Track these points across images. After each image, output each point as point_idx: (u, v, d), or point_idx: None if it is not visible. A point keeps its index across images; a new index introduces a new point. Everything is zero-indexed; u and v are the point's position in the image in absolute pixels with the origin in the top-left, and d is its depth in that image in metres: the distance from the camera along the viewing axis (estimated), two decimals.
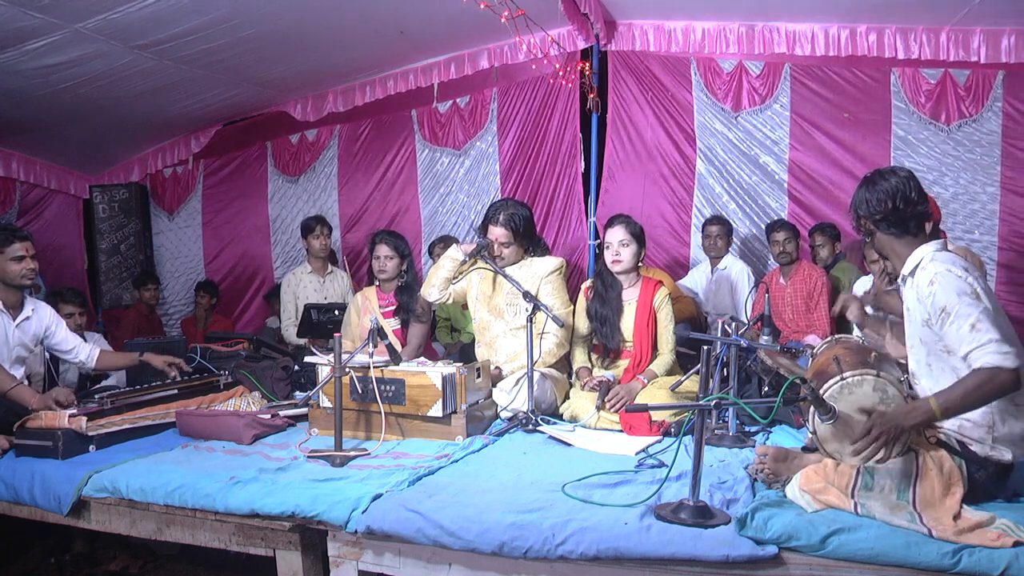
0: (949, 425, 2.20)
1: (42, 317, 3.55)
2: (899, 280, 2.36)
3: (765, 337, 3.04)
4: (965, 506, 2.06)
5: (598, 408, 3.23)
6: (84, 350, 3.65)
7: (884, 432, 2.05)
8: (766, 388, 3.24)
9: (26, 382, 3.48)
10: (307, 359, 3.47)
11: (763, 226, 5.05)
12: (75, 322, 4.27)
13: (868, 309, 2.82)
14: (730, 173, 5.30)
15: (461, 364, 3.18)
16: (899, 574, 1.90)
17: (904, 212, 2.27)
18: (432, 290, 3.74)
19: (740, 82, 5.19)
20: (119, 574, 3.28)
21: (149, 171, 6.71)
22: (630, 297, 3.60)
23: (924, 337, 2.26)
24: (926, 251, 2.26)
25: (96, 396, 3.15)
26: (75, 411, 2.97)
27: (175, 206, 6.81)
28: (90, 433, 2.95)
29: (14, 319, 3.43)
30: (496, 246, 3.62)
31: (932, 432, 2.23)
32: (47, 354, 3.71)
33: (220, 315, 6.42)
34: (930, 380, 2.27)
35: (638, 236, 3.58)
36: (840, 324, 4.10)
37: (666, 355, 3.55)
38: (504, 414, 3.37)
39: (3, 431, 3.02)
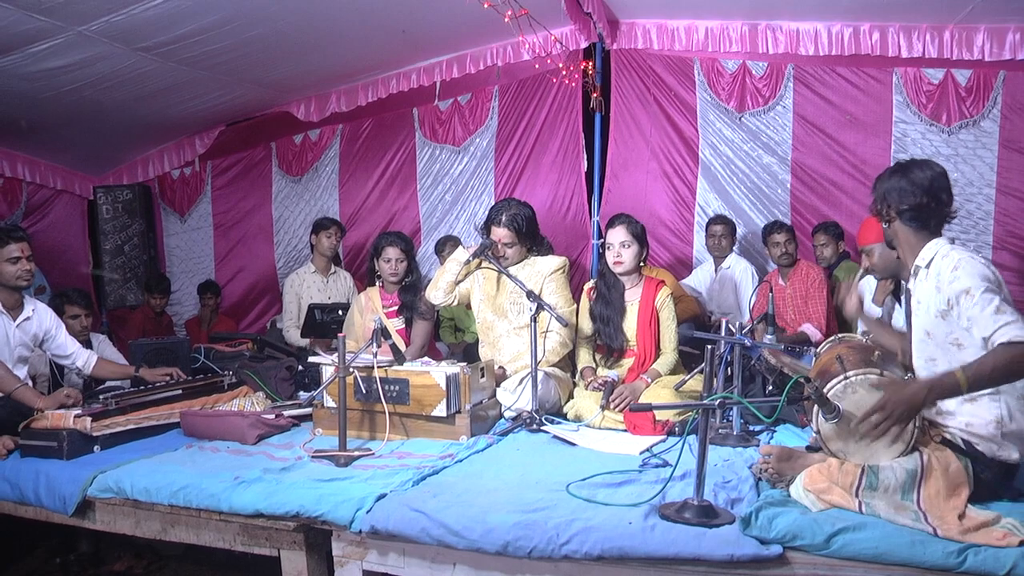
0: (955, 424, 2.20)
1: (42, 319, 3.54)
2: (910, 272, 2.34)
3: (769, 336, 3.04)
4: (970, 505, 2.06)
5: (602, 407, 3.23)
6: (82, 356, 3.64)
7: (899, 409, 2.03)
8: (770, 387, 3.24)
9: (30, 383, 3.48)
10: (311, 359, 3.47)
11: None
12: (81, 323, 4.26)
13: (871, 306, 2.81)
14: (733, 173, 5.29)
15: (465, 364, 3.18)
16: (904, 573, 1.90)
17: (931, 208, 2.26)
18: (438, 293, 3.72)
19: (743, 83, 5.18)
20: (123, 574, 3.29)
21: (156, 172, 6.67)
22: (632, 297, 3.60)
23: (933, 330, 2.23)
24: (942, 243, 2.25)
25: (101, 396, 3.16)
26: (80, 411, 2.98)
27: (186, 208, 6.80)
28: (95, 433, 2.96)
29: (14, 320, 3.42)
30: (500, 247, 3.60)
31: (937, 431, 2.22)
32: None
33: (225, 316, 6.42)
34: None
35: (639, 237, 3.57)
36: (841, 319, 4.09)
37: (669, 354, 3.55)
38: (508, 414, 3.38)
39: (8, 431, 3.02)
